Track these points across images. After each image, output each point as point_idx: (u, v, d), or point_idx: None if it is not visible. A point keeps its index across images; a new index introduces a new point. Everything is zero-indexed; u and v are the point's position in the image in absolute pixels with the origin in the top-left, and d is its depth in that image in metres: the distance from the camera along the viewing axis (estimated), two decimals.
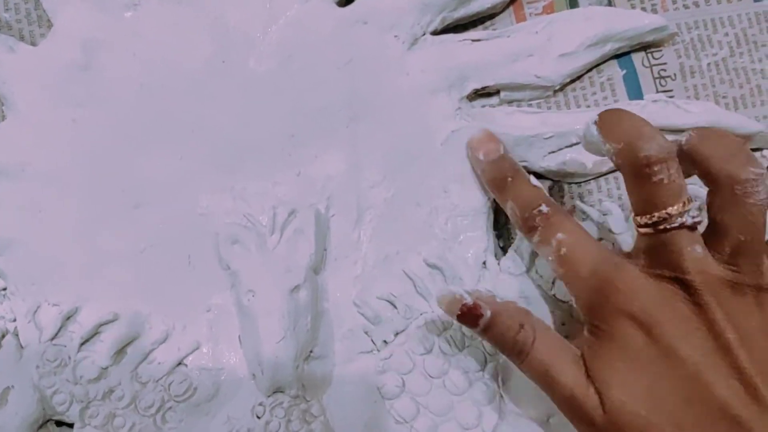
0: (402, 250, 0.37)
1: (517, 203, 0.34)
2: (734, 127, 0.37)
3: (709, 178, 0.29)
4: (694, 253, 0.29)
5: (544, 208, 0.33)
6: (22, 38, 0.39)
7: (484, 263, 0.37)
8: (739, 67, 0.40)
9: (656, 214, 0.29)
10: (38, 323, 0.35)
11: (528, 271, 0.37)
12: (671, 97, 0.39)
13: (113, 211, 0.36)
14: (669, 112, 0.38)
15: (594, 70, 0.40)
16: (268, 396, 0.34)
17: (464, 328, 0.36)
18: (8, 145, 0.37)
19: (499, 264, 0.37)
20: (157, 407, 0.34)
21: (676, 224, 0.29)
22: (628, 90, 0.40)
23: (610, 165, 0.38)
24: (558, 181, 0.39)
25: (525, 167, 0.38)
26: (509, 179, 0.34)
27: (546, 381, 0.31)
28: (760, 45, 0.40)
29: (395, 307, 0.36)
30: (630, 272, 0.30)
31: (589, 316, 0.31)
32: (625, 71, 0.40)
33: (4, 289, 0.36)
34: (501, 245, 0.39)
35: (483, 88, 0.39)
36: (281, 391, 0.34)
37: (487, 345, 0.36)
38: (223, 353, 0.35)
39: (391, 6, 0.38)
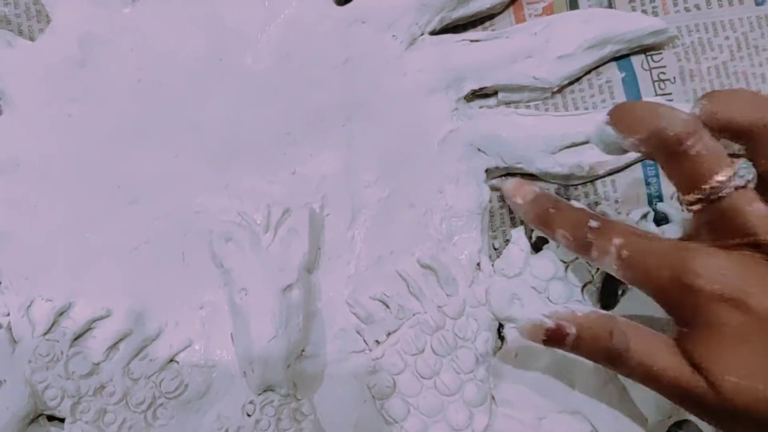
0: (396, 251, 0.37)
1: (567, 228, 0.32)
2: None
3: (741, 134, 0.29)
4: (756, 211, 0.28)
5: (593, 223, 0.32)
6: (20, 33, 0.39)
7: (478, 264, 0.37)
8: (740, 72, 0.40)
9: (705, 187, 0.28)
10: (31, 318, 0.35)
11: (522, 272, 0.36)
12: (670, 100, 0.39)
13: (108, 207, 0.36)
14: None
15: (593, 73, 0.40)
16: (259, 394, 0.34)
17: (456, 329, 0.36)
18: (4, 140, 0.37)
19: (493, 265, 0.37)
20: (148, 404, 0.34)
21: (729, 189, 0.28)
22: (626, 93, 0.39)
23: (609, 167, 0.38)
24: (554, 183, 0.39)
25: (521, 169, 0.38)
26: (551, 211, 0.33)
27: (651, 380, 0.30)
28: (761, 49, 0.40)
29: (388, 307, 0.36)
30: (702, 252, 0.29)
31: (675, 310, 0.30)
32: (624, 74, 0.40)
33: None
34: (495, 247, 0.38)
35: (481, 89, 0.39)
36: (272, 390, 0.34)
37: (479, 346, 0.36)
38: (215, 351, 0.35)
39: (389, 5, 0.38)
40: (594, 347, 0.30)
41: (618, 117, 0.30)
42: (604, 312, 0.32)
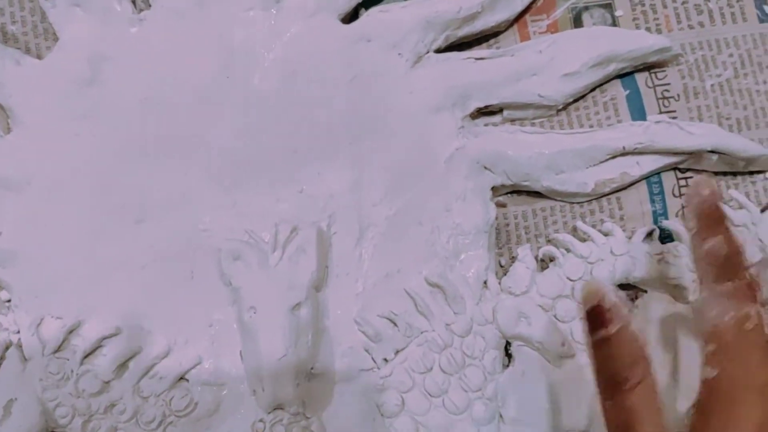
0: (403, 269, 0.37)
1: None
2: (737, 150, 0.37)
3: None
4: None
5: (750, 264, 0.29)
6: (28, 51, 0.39)
7: (485, 282, 0.37)
8: (744, 89, 0.40)
9: None
10: (41, 336, 0.35)
11: (529, 290, 0.37)
12: (674, 117, 0.39)
13: (116, 226, 0.37)
14: (672, 133, 0.38)
15: (597, 90, 0.40)
16: (269, 413, 0.34)
17: (464, 347, 0.36)
18: (13, 158, 0.37)
19: (500, 283, 0.37)
20: (158, 422, 0.34)
21: None
22: (631, 110, 0.40)
23: (614, 185, 0.38)
24: (560, 201, 0.39)
25: (527, 186, 0.38)
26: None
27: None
28: (765, 66, 0.40)
29: (396, 325, 0.36)
30: None
31: None
32: (628, 91, 0.40)
33: (8, 301, 0.36)
34: (502, 264, 0.39)
35: (486, 107, 0.39)
36: (281, 408, 0.34)
37: (487, 364, 0.36)
38: (225, 369, 0.35)
39: (394, 24, 0.38)
40: (610, 360, 0.29)
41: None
42: (649, 352, 0.29)
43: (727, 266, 0.29)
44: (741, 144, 0.38)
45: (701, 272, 0.30)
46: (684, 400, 0.36)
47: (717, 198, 0.31)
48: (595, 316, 0.29)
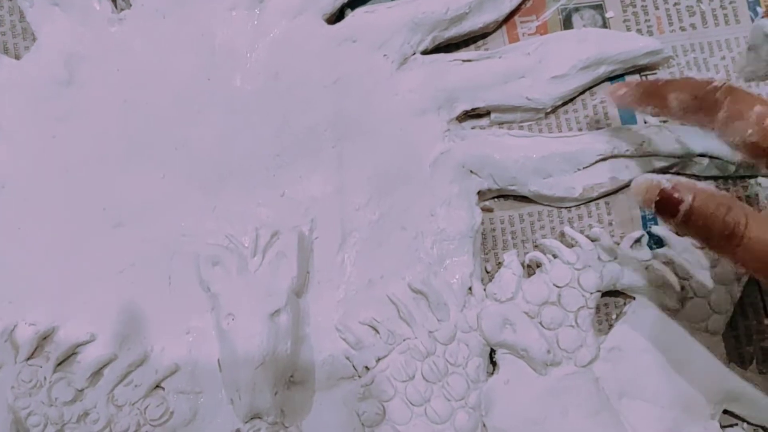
0: (386, 275, 0.36)
1: (684, 89, 0.31)
2: (727, 154, 0.37)
3: None
4: None
5: (718, 83, 0.30)
6: (6, 51, 0.39)
7: (470, 289, 0.36)
8: None
9: None
10: (14, 343, 0.34)
11: (514, 297, 0.36)
12: (665, 122, 0.39)
13: (93, 230, 0.36)
14: (662, 137, 0.37)
15: (587, 93, 0.39)
16: (246, 422, 0.34)
17: (447, 355, 0.35)
18: None
19: (485, 289, 0.36)
20: (132, 431, 0.34)
21: None
22: (621, 113, 0.39)
23: (602, 189, 0.37)
24: (547, 206, 0.38)
25: (514, 191, 0.38)
26: (661, 82, 0.33)
27: None
28: None
29: (378, 332, 0.35)
30: None
31: None
32: None
33: None
34: (487, 270, 0.38)
35: (473, 110, 0.38)
36: (259, 417, 0.34)
37: (471, 372, 0.35)
38: (202, 377, 0.35)
39: (380, 24, 0.38)
40: (707, 220, 0.29)
41: None
42: (724, 192, 0.30)
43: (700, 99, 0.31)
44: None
45: (693, 119, 0.32)
46: (674, 408, 0.35)
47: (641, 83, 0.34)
48: (667, 203, 0.29)
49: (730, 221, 0.29)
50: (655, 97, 0.33)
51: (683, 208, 0.29)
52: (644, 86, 0.34)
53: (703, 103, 0.31)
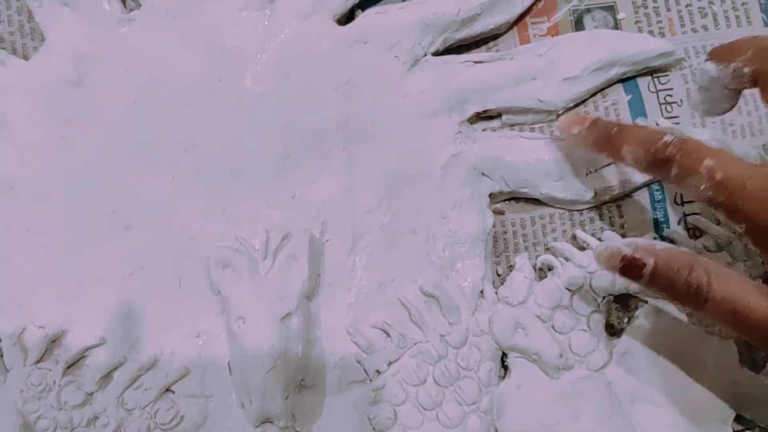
0: (397, 278, 0.36)
1: (636, 143, 0.31)
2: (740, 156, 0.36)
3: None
4: None
5: (669, 137, 0.30)
6: (14, 51, 0.38)
7: (482, 292, 0.36)
8: (748, 94, 0.39)
9: None
10: (23, 346, 0.34)
11: (526, 300, 0.36)
12: (677, 123, 0.38)
13: (102, 232, 0.36)
14: None
15: (599, 95, 0.39)
16: (257, 426, 0.33)
17: (459, 359, 0.35)
18: None
19: (496, 293, 0.36)
20: None
21: None
22: (633, 115, 0.39)
23: (614, 192, 0.37)
24: (559, 209, 0.38)
25: (525, 193, 0.37)
26: (614, 129, 0.32)
27: (737, 320, 0.28)
28: None
29: (389, 335, 0.35)
30: None
31: None
32: (630, 96, 0.39)
33: None
34: (499, 273, 0.38)
35: (484, 111, 0.38)
36: (270, 422, 0.33)
37: (483, 376, 0.35)
38: (212, 381, 0.35)
39: (391, 25, 0.37)
40: (671, 282, 0.29)
41: (718, 50, 0.30)
42: (684, 249, 0.30)
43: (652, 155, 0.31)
44: (743, 151, 0.36)
45: (647, 173, 0.33)
46: (686, 412, 0.35)
47: (594, 125, 0.34)
48: (630, 268, 0.30)
49: (692, 282, 0.29)
50: (609, 146, 0.33)
51: (646, 271, 0.29)
52: (598, 131, 0.33)
53: (655, 159, 0.30)
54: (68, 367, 0.34)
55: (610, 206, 0.38)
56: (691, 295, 0.29)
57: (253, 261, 0.34)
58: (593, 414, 0.35)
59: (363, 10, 0.39)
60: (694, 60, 0.39)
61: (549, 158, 0.37)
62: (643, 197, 0.38)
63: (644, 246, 0.30)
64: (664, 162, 0.30)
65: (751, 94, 0.39)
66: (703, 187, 0.29)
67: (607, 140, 0.33)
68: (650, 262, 0.29)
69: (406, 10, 0.38)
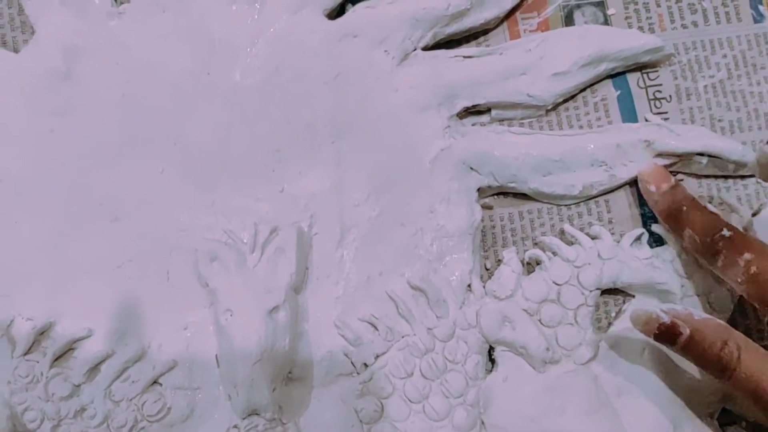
0: (385, 271, 0.36)
1: (696, 229, 0.34)
2: (726, 153, 0.36)
3: None
4: None
5: (726, 232, 0.33)
6: (4, 44, 0.38)
7: (469, 286, 0.36)
8: (737, 90, 0.39)
9: None
10: (11, 337, 0.34)
11: (514, 294, 0.36)
12: (666, 119, 0.38)
13: (91, 225, 0.36)
14: (663, 135, 0.37)
15: (588, 90, 0.39)
16: (244, 418, 0.33)
17: (446, 352, 0.35)
18: None
19: (484, 287, 0.36)
20: (129, 427, 0.34)
21: None
22: (622, 111, 0.39)
23: (602, 187, 0.37)
24: (547, 203, 0.38)
25: (514, 188, 0.37)
26: (684, 208, 0.34)
27: (758, 396, 0.30)
28: (759, 68, 0.39)
29: (376, 329, 0.35)
30: None
31: None
32: (619, 92, 0.39)
33: None
34: (487, 267, 0.38)
35: (474, 106, 0.38)
36: (257, 414, 0.33)
37: (470, 369, 0.35)
38: (199, 373, 0.35)
39: (381, 20, 0.37)
40: (704, 353, 0.31)
41: None
42: (720, 321, 0.32)
43: (707, 245, 0.33)
44: (730, 146, 0.37)
45: (699, 257, 0.34)
46: (672, 406, 0.35)
47: (670, 193, 0.35)
48: (666, 334, 0.31)
49: (723, 357, 0.30)
50: (674, 223, 0.35)
51: (681, 340, 0.31)
52: (672, 202, 0.35)
53: (707, 248, 0.33)
54: (56, 359, 0.34)
55: (598, 201, 0.38)
56: (719, 369, 0.30)
57: (241, 254, 0.34)
58: (580, 407, 0.35)
59: (353, 4, 0.39)
60: (683, 56, 0.39)
61: (537, 153, 0.37)
62: (631, 192, 0.38)
63: (683, 316, 0.31)
64: (713, 253, 0.32)
65: (740, 90, 0.39)
66: (740, 279, 0.31)
67: (675, 218, 0.35)
68: (686, 332, 0.31)
69: (396, 5, 0.38)
